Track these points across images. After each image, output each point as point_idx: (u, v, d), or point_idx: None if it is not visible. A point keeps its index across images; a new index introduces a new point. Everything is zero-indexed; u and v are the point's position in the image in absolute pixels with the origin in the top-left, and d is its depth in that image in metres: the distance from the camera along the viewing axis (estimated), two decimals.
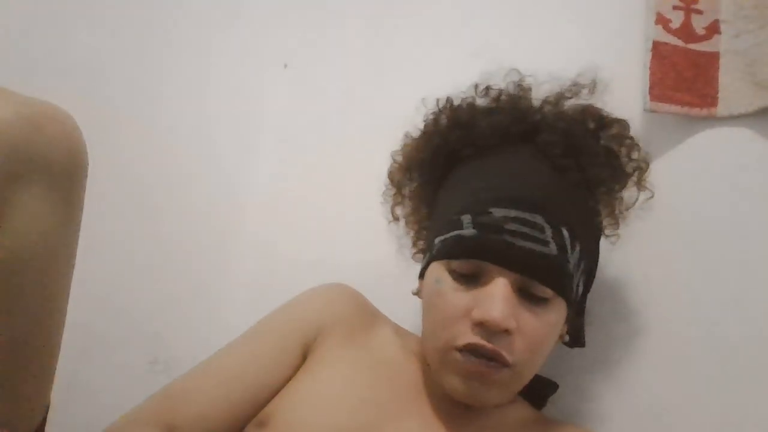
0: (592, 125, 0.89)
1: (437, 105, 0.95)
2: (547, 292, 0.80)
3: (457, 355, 0.79)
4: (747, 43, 0.97)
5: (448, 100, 0.94)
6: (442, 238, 0.84)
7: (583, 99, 0.91)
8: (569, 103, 0.91)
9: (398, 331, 0.96)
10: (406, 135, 0.98)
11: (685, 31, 1.00)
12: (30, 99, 0.65)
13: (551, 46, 1.15)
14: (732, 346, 0.92)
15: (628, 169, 0.91)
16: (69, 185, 0.67)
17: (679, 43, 1.00)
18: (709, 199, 0.98)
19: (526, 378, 0.85)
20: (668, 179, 1.00)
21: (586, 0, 1.13)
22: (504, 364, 0.79)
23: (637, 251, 1.00)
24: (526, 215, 0.79)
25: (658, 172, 1.01)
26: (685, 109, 0.99)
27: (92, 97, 1.15)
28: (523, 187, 0.82)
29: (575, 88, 0.92)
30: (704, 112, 0.98)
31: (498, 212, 0.79)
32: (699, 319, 0.94)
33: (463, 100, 0.93)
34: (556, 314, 0.82)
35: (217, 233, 1.31)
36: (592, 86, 0.91)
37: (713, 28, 1.00)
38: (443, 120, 0.93)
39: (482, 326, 0.78)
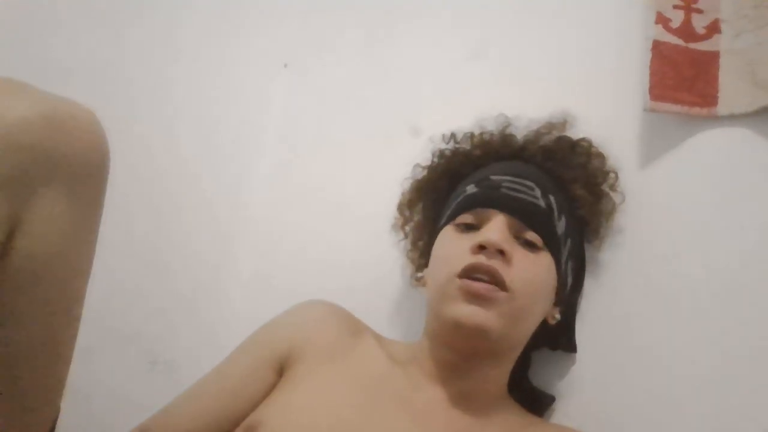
0: (565, 146, 1.02)
1: (443, 139, 1.07)
2: (537, 239, 0.91)
3: (458, 282, 0.87)
4: (747, 43, 0.97)
5: (452, 135, 1.07)
6: (449, 209, 0.96)
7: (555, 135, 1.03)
8: (545, 138, 1.03)
9: (382, 341, 0.99)
10: (415, 167, 1.08)
11: (685, 31, 1.00)
12: (52, 97, 0.63)
13: (551, 47, 1.15)
14: (733, 345, 0.91)
15: (598, 177, 1.01)
16: (90, 186, 0.65)
17: (680, 42, 1.00)
18: (709, 198, 0.98)
19: (523, 318, 0.90)
20: (668, 179, 1.01)
21: (586, 0, 1.13)
22: (501, 284, 0.86)
23: (636, 251, 1.00)
24: (519, 179, 0.93)
25: (658, 171, 1.01)
26: (686, 109, 0.98)
27: (93, 97, 1.15)
28: (515, 169, 0.96)
29: (549, 126, 1.03)
30: (704, 111, 0.98)
31: (496, 178, 0.94)
32: (699, 319, 0.94)
33: (464, 134, 1.06)
34: (546, 264, 0.92)
35: (218, 233, 1.31)
36: (563, 125, 1.03)
37: (713, 28, 1.00)
38: (447, 152, 1.06)
39: (480, 250, 0.87)
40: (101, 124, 0.66)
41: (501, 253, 0.87)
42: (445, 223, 0.96)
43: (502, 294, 0.86)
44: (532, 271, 0.89)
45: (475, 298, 0.85)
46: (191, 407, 0.93)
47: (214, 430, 0.90)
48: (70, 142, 0.62)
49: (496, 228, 0.89)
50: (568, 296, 0.98)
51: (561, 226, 0.93)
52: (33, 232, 0.61)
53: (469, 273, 0.86)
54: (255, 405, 0.91)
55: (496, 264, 0.86)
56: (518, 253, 0.89)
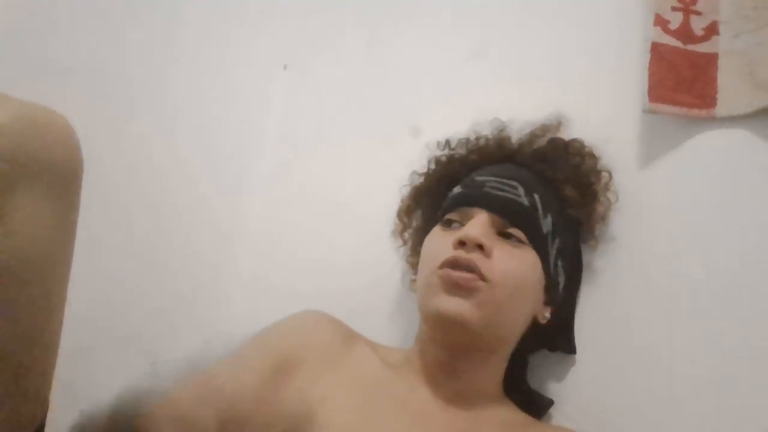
0: (558, 147, 1.03)
1: (438, 146, 1.09)
2: (521, 235, 0.93)
3: (440, 272, 0.89)
4: (746, 44, 0.97)
5: (447, 141, 1.09)
6: (440, 211, 0.98)
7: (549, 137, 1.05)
8: (539, 141, 1.05)
9: (375, 347, 1.00)
10: (412, 174, 1.10)
11: (684, 32, 1.00)
12: (26, 103, 0.67)
13: (551, 48, 1.15)
14: (731, 347, 0.91)
15: (590, 176, 1.02)
16: (67, 186, 0.68)
17: (678, 44, 1.00)
18: (709, 199, 0.98)
19: (504, 310, 0.90)
20: (667, 180, 1.01)
21: (585, 1, 1.13)
22: (480, 276, 0.88)
23: (636, 252, 1.00)
24: (503, 179, 0.96)
25: (658, 172, 1.01)
26: (684, 110, 0.99)
27: (93, 97, 1.15)
28: (501, 170, 0.99)
29: (543, 128, 1.05)
30: (703, 112, 0.98)
31: (480, 178, 0.97)
32: (699, 320, 0.94)
33: (459, 140, 1.08)
34: (530, 259, 0.93)
35: (218, 233, 1.31)
36: (557, 127, 1.05)
37: (712, 29, 1.00)
38: (442, 158, 1.08)
39: (461, 245, 0.90)
40: (73, 127, 0.69)
41: (480, 248, 0.89)
42: (434, 224, 0.98)
43: (481, 283, 0.88)
44: (512, 264, 0.91)
45: (454, 288, 0.88)
46: (195, 393, 0.86)
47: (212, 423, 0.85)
48: (47, 146, 0.66)
49: (477, 224, 0.91)
50: (563, 296, 0.98)
51: (547, 224, 0.95)
52: (13, 231, 0.63)
53: (449, 265, 0.89)
54: (256, 407, 0.88)
55: (475, 257, 0.88)
56: (499, 248, 0.91)
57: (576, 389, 0.99)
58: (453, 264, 0.89)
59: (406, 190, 1.10)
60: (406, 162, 1.10)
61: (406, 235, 1.10)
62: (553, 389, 0.99)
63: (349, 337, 0.99)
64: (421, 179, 1.09)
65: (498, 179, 0.96)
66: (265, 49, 1.40)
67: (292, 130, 1.38)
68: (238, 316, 1.24)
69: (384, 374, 0.94)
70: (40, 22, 1.15)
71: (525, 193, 0.94)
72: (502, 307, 0.90)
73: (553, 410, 0.97)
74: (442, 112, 1.19)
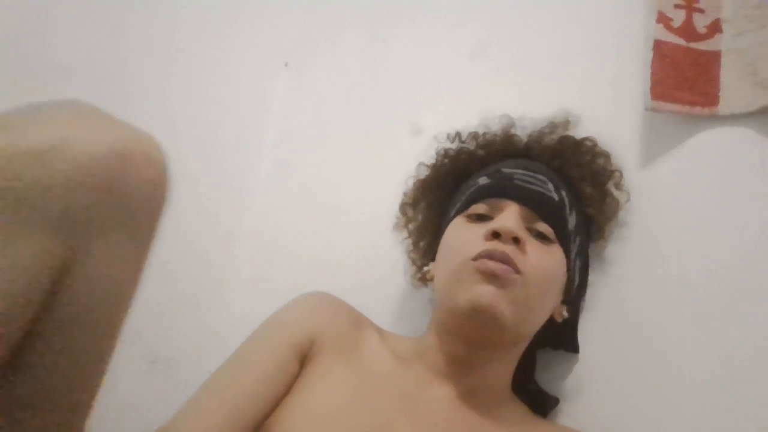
0: (570, 145, 1.02)
1: (447, 138, 1.08)
2: (549, 232, 0.91)
3: (473, 264, 0.86)
4: (748, 42, 0.97)
5: (457, 134, 1.07)
6: (459, 201, 0.96)
7: (559, 134, 1.04)
8: (549, 138, 1.04)
9: (384, 336, 0.98)
10: (419, 166, 1.08)
11: (687, 30, 1.00)
12: (125, 132, 0.60)
13: (553, 46, 1.15)
14: (733, 346, 0.91)
15: (604, 175, 1.01)
16: (147, 230, 0.62)
17: (681, 41, 1.00)
18: (711, 197, 0.98)
19: (533, 307, 0.89)
20: (668, 178, 1.01)
21: None
22: (515, 268, 0.85)
23: (638, 251, 1.00)
24: (531, 172, 0.94)
25: (660, 170, 1.01)
26: (687, 108, 0.99)
27: (92, 97, 1.15)
28: (527, 164, 0.97)
29: (552, 125, 1.04)
30: (705, 111, 0.98)
31: (508, 170, 0.95)
32: (701, 319, 0.94)
33: (469, 133, 1.07)
34: (558, 257, 0.91)
35: (218, 233, 1.31)
36: (566, 124, 1.04)
37: (715, 27, 1.00)
38: (451, 151, 1.06)
39: (494, 237, 0.87)
40: (166, 162, 0.63)
41: (515, 240, 0.87)
42: (456, 215, 0.95)
43: (516, 277, 0.85)
44: (545, 261, 0.89)
45: (490, 278, 0.84)
46: (216, 400, 0.86)
47: (241, 424, 0.84)
48: (137, 183, 0.59)
49: (511, 216, 0.89)
50: (573, 296, 0.97)
51: (572, 221, 0.94)
52: (87, 276, 0.58)
53: (485, 257, 0.86)
54: (282, 395, 0.87)
55: (509, 250, 0.86)
56: (531, 243, 0.89)
57: (578, 388, 0.98)
58: (489, 255, 0.85)
59: (411, 182, 1.08)
60: (407, 161, 1.10)
61: (410, 227, 1.08)
62: (556, 388, 0.99)
63: (358, 323, 0.97)
64: (429, 171, 1.07)
65: (527, 172, 0.94)
66: (266, 47, 1.40)
67: (292, 130, 1.37)
68: (238, 316, 1.24)
69: (393, 370, 0.92)
70: (40, 21, 1.15)
71: (554, 189, 0.93)
72: (531, 303, 0.88)
73: (555, 408, 0.97)
74: (442, 111, 1.19)
